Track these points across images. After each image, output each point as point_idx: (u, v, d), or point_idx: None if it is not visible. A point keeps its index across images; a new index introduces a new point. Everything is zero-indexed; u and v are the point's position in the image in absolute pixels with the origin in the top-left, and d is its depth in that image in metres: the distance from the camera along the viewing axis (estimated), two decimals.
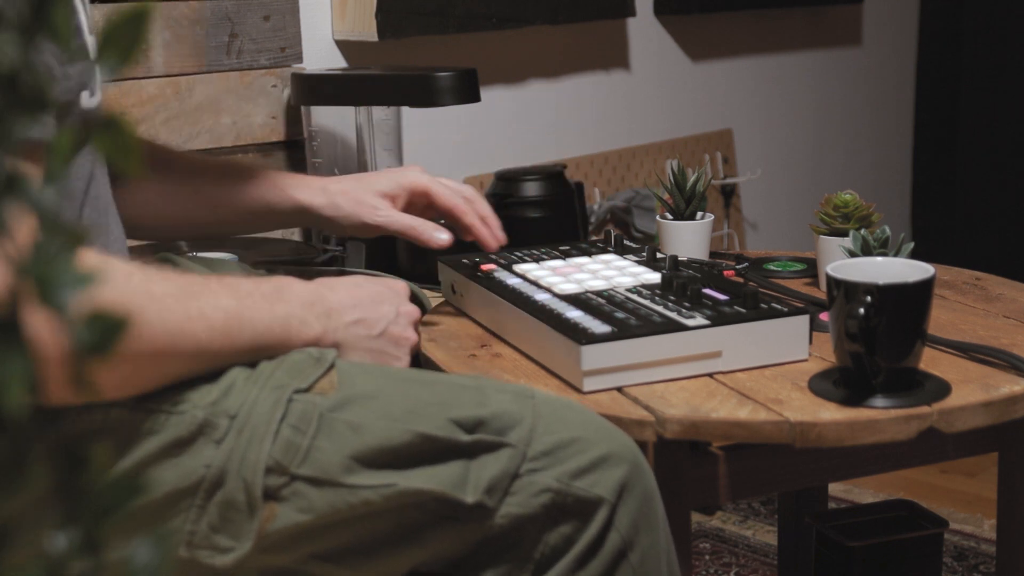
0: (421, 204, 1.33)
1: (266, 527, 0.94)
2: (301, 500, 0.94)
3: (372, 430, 0.95)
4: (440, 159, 2.29)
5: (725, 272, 1.45)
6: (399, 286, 1.14)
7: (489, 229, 1.33)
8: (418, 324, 1.14)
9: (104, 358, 0.37)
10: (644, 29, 2.68)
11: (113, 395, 0.92)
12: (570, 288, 1.27)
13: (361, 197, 1.30)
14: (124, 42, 0.38)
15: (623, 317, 1.16)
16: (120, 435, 0.94)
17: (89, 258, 0.87)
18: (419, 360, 1.19)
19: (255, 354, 0.99)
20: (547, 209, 1.74)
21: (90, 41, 1.03)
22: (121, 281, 0.89)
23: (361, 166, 1.93)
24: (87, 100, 1.00)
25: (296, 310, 1.02)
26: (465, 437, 0.96)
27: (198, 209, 1.31)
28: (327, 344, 1.03)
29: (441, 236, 1.28)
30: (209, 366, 0.97)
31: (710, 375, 1.14)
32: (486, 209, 1.34)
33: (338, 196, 1.30)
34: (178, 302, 0.92)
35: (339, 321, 1.05)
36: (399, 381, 1.00)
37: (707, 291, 1.23)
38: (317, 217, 1.31)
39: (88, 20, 1.03)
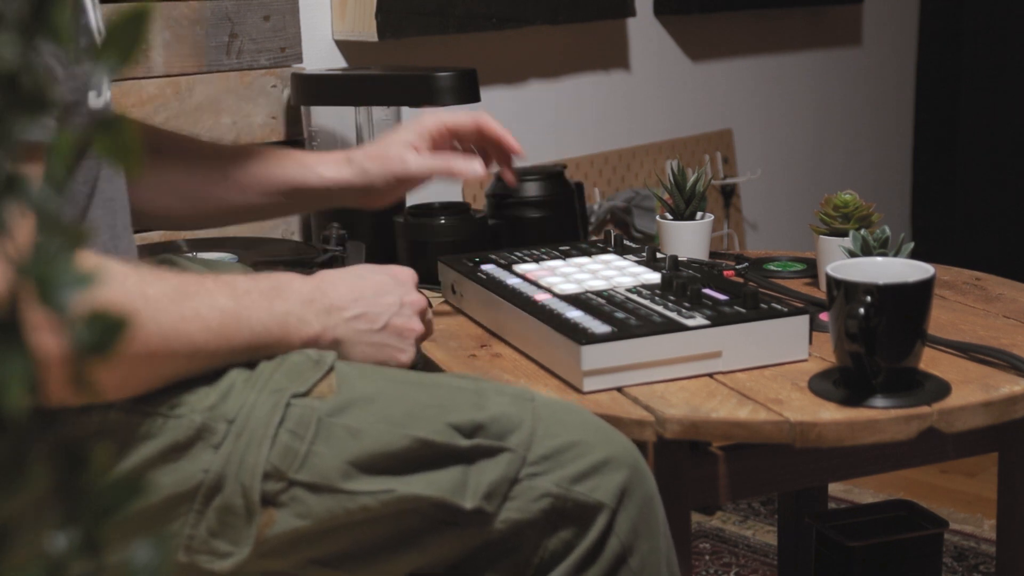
0: (447, 144, 1.33)
1: (264, 532, 0.94)
2: (299, 506, 0.94)
3: (370, 435, 0.94)
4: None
5: (725, 272, 1.45)
6: (404, 275, 1.12)
7: (510, 141, 1.34)
8: (425, 313, 1.11)
9: (104, 358, 0.37)
10: (644, 29, 2.68)
11: (109, 396, 0.91)
12: (570, 288, 1.27)
13: (387, 153, 1.29)
14: (124, 42, 0.38)
15: (623, 317, 1.16)
16: (118, 438, 0.93)
17: (84, 259, 0.86)
18: (420, 359, 1.17)
19: (253, 353, 0.98)
20: (547, 209, 1.74)
21: (95, 20, 1.02)
22: (116, 282, 0.88)
23: None
24: (94, 100, 1.00)
25: (295, 308, 1.00)
26: (464, 442, 0.95)
27: (228, 193, 1.29)
28: (327, 341, 1.02)
29: (475, 167, 1.28)
30: (206, 366, 0.96)
31: (710, 375, 1.14)
32: (499, 126, 1.35)
33: (365, 162, 1.29)
34: (173, 303, 0.91)
35: (339, 317, 1.03)
36: (398, 384, 0.99)
37: (707, 291, 1.23)
38: (350, 191, 1.30)
39: (97, 20, 1.02)
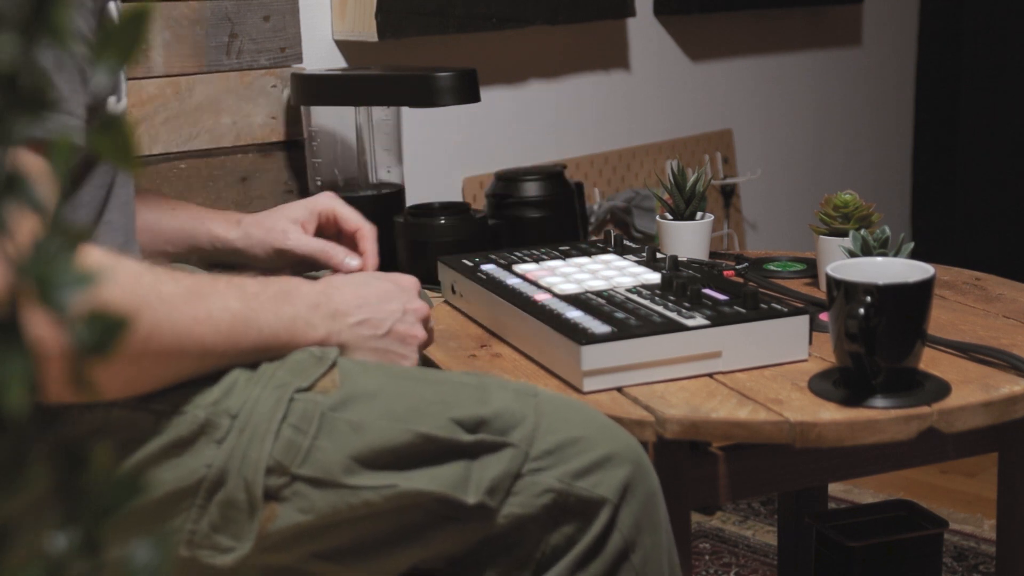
0: (332, 230, 1.36)
1: (267, 527, 0.94)
2: (302, 500, 0.94)
3: (373, 430, 0.95)
4: (440, 159, 2.29)
5: (725, 272, 1.45)
6: (407, 282, 1.14)
7: (371, 266, 1.34)
8: (428, 320, 1.13)
9: (104, 358, 0.37)
10: (644, 29, 2.68)
11: (117, 395, 0.92)
12: (570, 288, 1.27)
13: (272, 224, 1.33)
14: (124, 42, 0.38)
15: (623, 317, 1.16)
16: (121, 435, 0.94)
17: (99, 256, 0.87)
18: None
19: (260, 355, 0.99)
20: (547, 209, 1.74)
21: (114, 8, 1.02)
22: (131, 281, 0.89)
23: (361, 166, 1.93)
24: (114, 105, 1.00)
25: (302, 312, 1.01)
26: (467, 437, 0.95)
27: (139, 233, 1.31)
28: (332, 343, 1.03)
29: (351, 261, 1.30)
30: (213, 367, 0.97)
31: (710, 375, 1.14)
32: (375, 246, 1.36)
33: (251, 227, 1.32)
34: (186, 303, 0.92)
35: (344, 323, 1.05)
36: (401, 379, 1.00)
37: (707, 291, 1.23)
38: (232, 250, 1.33)
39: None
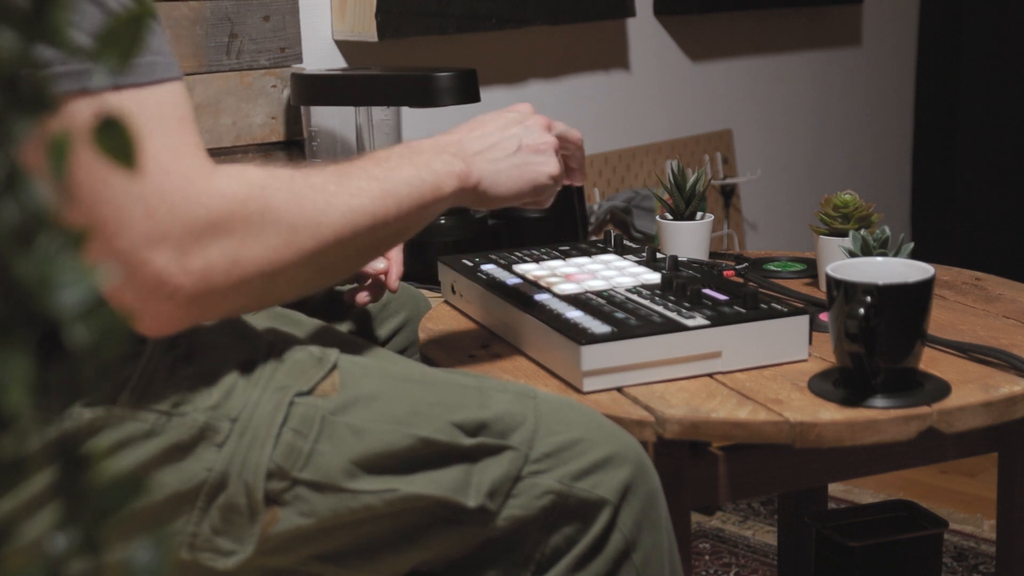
0: None
1: (268, 531, 0.94)
2: (303, 504, 0.94)
3: (374, 434, 0.95)
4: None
5: (725, 272, 1.45)
6: (522, 107, 1.16)
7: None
8: (551, 128, 1.15)
9: (103, 358, 0.37)
10: (644, 29, 2.68)
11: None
12: (570, 288, 1.27)
13: None
14: (124, 42, 0.38)
15: (623, 317, 1.16)
16: (121, 436, 0.93)
17: (251, 172, 0.91)
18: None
19: (419, 209, 1.01)
20: (547, 209, 1.73)
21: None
22: (286, 182, 0.92)
23: None
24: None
25: (433, 155, 1.04)
26: (467, 441, 0.95)
27: None
28: (474, 180, 1.06)
29: (377, 263, 1.26)
30: (385, 235, 0.99)
31: (710, 375, 1.14)
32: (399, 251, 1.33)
33: None
34: (339, 185, 0.95)
35: (472, 152, 1.08)
36: (401, 382, 1.00)
37: (707, 291, 1.23)
38: None
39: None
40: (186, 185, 0.85)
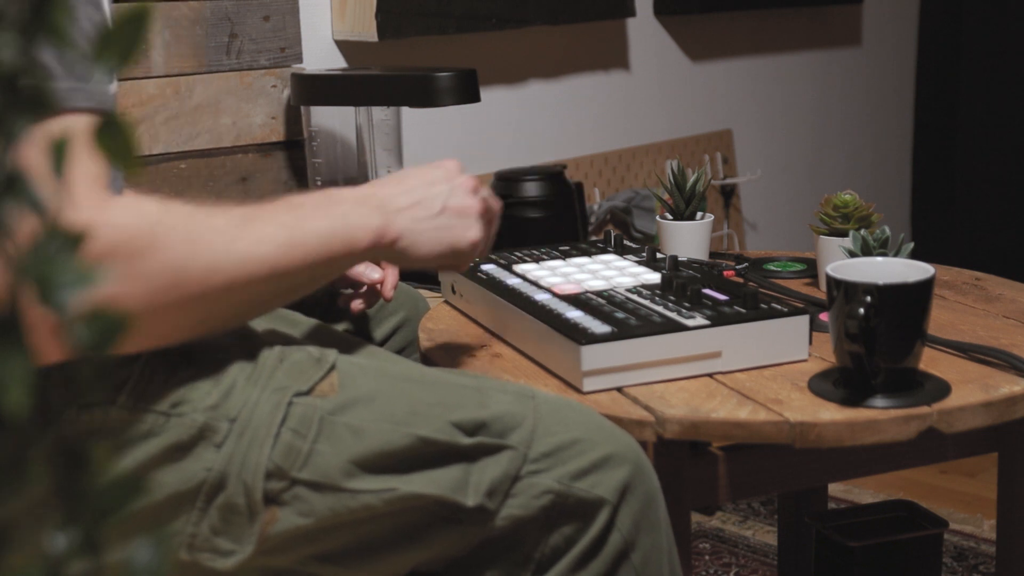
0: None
1: (267, 531, 0.94)
2: (302, 504, 0.94)
3: (373, 434, 0.95)
4: (440, 159, 2.28)
5: (725, 272, 1.45)
6: (448, 164, 1.11)
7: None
8: (479, 189, 1.10)
9: (103, 358, 0.37)
10: (644, 29, 2.68)
11: (191, 336, 0.92)
12: (570, 288, 1.27)
13: None
14: (124, 42, 0.38)
15: (623, 317, 1.16)
16: (120, 436, 0.93)
17: (149, 204, 0.87)
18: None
19: (328, 262, 0.97)
20: (547, 209, 1.74)
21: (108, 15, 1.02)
22: (183, 220, 0.89)
23: (361, 166, 1.93)
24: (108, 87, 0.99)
25: (352, 208, 1.00)
26: (466, 440, 0.95)
27: None
28: (391, 235, 1.01)
29: (372, 273, 1.25)
30: (288, 285, 0.96)
31: (710, 375, 1.14)
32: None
33: None
34: (240, 229, 0.91)
35: (394, 208, 1.03)
36: (400, 382, 1.00)
37: (707, 291, 1.23)
38: None
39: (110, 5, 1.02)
40: (77, 213, 0.82)
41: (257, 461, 0.93)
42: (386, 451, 0.94)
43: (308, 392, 0.96)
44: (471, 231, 1.07)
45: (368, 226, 0.99)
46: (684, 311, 1.17)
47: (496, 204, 1.13)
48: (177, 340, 0.92)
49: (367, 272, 1.26)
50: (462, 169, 1.11)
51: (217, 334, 0.97)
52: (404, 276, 1.62)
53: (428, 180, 1.07)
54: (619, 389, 1.11)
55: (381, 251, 1.02)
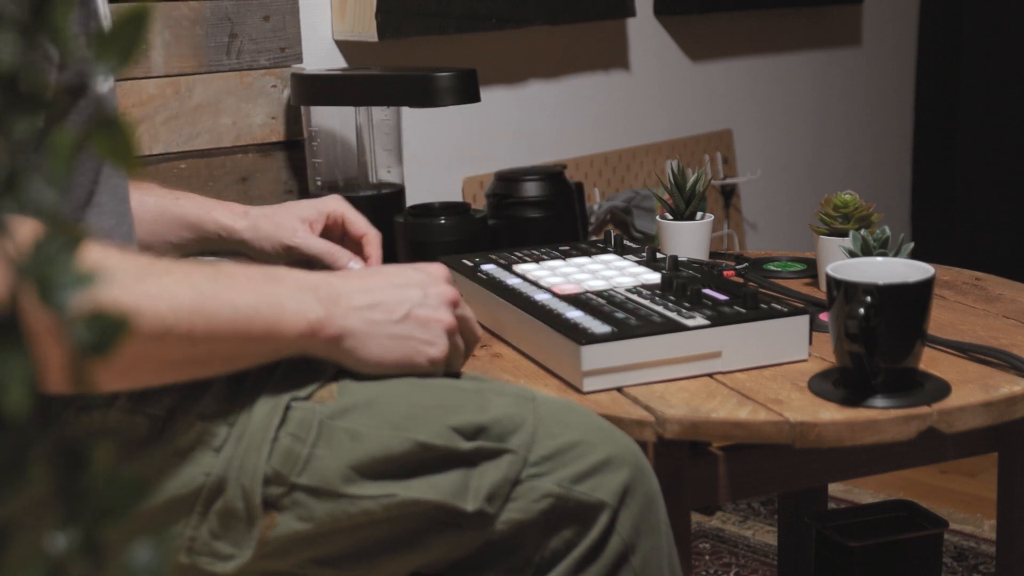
0: (337, 232, 1.35)
1: (266, 535, 0.94)
2: (301, 509, 0.94)
3: (372, 439, 0.94)
4: (440, 159, 2.29)
5: (725, 272, 1.45)
6: (433, 269, 1.02)
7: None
8: (457, 305, 1.00)
9: (103, 358, 0.37)
10: (644, 29, 2.68)
11: (72, 387, 0.88)
12: (570, 288, 1.27)
13: (281, 220, 1.31)
14: (124, 42, 0.38)
15: (623, 317, 1.16)
16: (118, 439, 0.93)
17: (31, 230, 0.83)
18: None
19: (243, 340, 0.89)
20: (547, 209, 1.74)
21: (105, 15, 1.01)
22: None
23: (361, 166, 1.93)
24: (101, 84, 0.99)
25: (291, 291, 0.92)
26: (465, 445, 0.95)
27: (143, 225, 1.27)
28: (332, 331, 0.93)
29: (355, 265, 1.28)
30: (188, 352, 0.87)
31: (710, 375, 1.14)
32: (379, 252, 1.34)
33: (259, 219, 1.31)
34: (135, 279, 0.83)
35: (347, 305, 0.94)
36: (398, 385, 0.99)
37: (707, 291, 1.23)
38: (238, 240, 1.32)
39: (104, 2, 1.02)
40: None
41: (256, 465, 0.93)
42: (385, 456, 0.94)
43: (307, 398, 0.96)
44: (433, 348, 0.98)
45: (303, 314, 0.91)
46: (684, 311, 1.17)
47: (476, 330, 1.04)
48: (57, 389, 0.87)
49: (351, 264, 1.27)
50: (448, 279, 1.02)
51: (107, 393, 0.89)
52: None
53: (400, 282, 0.98)
54: (619, 389, 1.11)
55: (319, 345, 0.94)
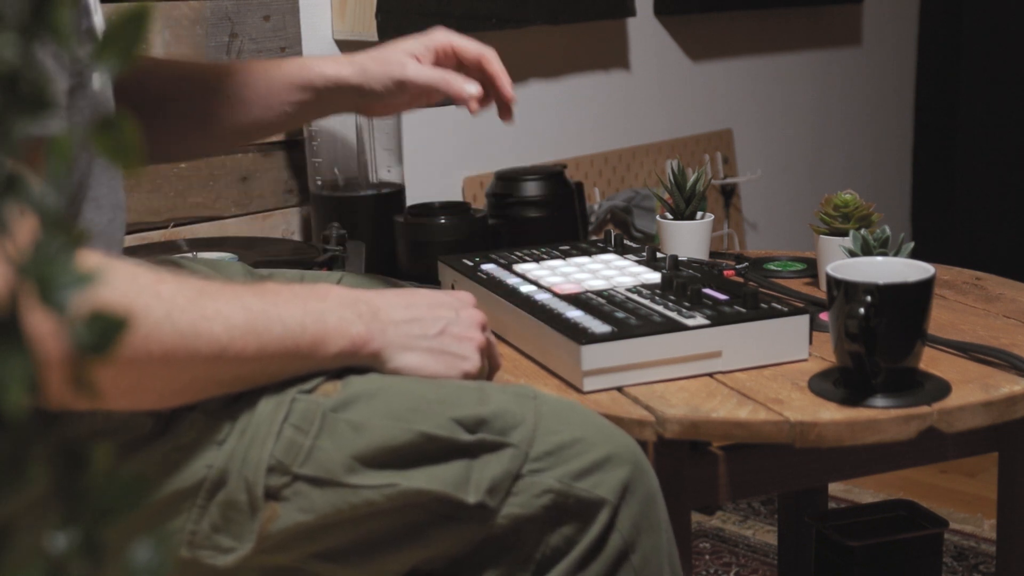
0: (451, 64, 1.30)
1: (268, 527, 0.94)
2: (303, 500, 0.94)
3: (374, 429, 0.95)
4: (440, 159, 2.29)
5: (725, 272, 1.45)
6: (463, 295, 1.07)
7: (505, 84, 1.30)
8: (486, 328, 1.05)
9: (104, 359, 0.37)
10: (644, 29, 2.68)
11: (125, 404, 0.88)
12: (570, 288, 1.27)
13: (388, 57, 1.27)
14: (124, 42, 0.38)
15: (623, 317, 1.16)
16: (121, 436, 0.93)
17: (90, 259, 0.85)
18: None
19: (290, 357, 0.93)
20: (547, 209, 1.74)
21: (98, 22, 1.01)
22: (124, 281, 0.84)
23: (361, 166, 1.93)
24: (97, 82, 0.99)
25: (334, 307, 0.95)
26: (467, 437, 0.95)
27: (233, 113, 1.27)
28: (375, 346, 0.97)
29: (471, 88, 1.24)
30: (238, 372, 0.92)
31: (710, 375, 1.14)
32: (501, 66, 1.32)
33: (366, 62, 1.26)
34: (191, 302, 0.86)
35: (387, 320, 0.98)
36: (401, 379, 1.00)
37: (707, 291, 1.23)
38: (348, 87, 1.27)
39: (101, 21, 1.02)
40: None
41: (259, 457, 0.94)
42: (387, 447, 0.94)
43: (311, 391, 0.96)
44: (467, 362, 1.02)
45: (346, 332, 0.95)
46: (684, 311, 1.17)
47: (498, 355, 1.08)
48: (114, 406, 0.87)
49: (467, 87, 1.24)
50: (475, 304, 1.07)
51: (158, 410, 0.92)
52: (404, 278, 1.62)
53: (434, 303, 1.02)
54: (619, 389, 1.11)
55: (362, 361, 0.97)
